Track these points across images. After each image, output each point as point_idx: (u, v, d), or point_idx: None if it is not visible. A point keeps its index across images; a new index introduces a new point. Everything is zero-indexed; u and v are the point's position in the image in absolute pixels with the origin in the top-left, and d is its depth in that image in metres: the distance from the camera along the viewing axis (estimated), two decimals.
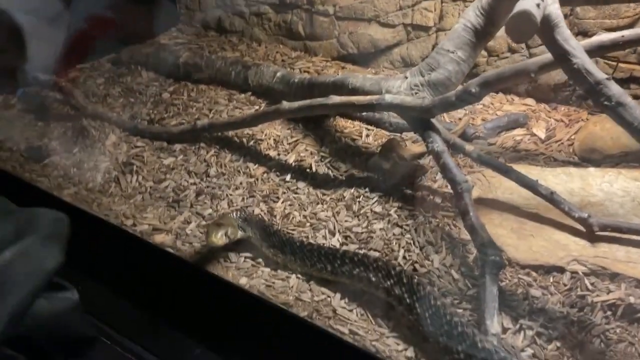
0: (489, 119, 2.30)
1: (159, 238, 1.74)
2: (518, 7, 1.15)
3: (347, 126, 2.28)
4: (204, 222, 1.81)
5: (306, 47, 3.01)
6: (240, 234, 1.66)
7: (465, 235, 1.63)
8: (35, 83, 2.70)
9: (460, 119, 2.28)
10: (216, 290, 1.52)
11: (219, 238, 1.58)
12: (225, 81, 2.66)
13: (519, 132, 2.25)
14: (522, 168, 1.94)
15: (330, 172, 2.04)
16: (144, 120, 2.45)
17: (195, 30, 3.39)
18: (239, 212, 1.73)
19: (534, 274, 1.51)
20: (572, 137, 2.16)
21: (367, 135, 2.21)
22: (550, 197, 1.64)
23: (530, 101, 2.43)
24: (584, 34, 2.20)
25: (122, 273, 1.67)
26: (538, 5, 1.15)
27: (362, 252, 1.60)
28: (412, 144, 2.12)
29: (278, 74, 2.48)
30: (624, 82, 2.17)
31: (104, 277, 1.67)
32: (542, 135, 2.20)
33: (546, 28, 1.32)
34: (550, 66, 1.50)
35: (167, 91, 2.69)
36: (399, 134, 2.22)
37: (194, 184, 2.01)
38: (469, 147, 1.77)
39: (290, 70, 2.62)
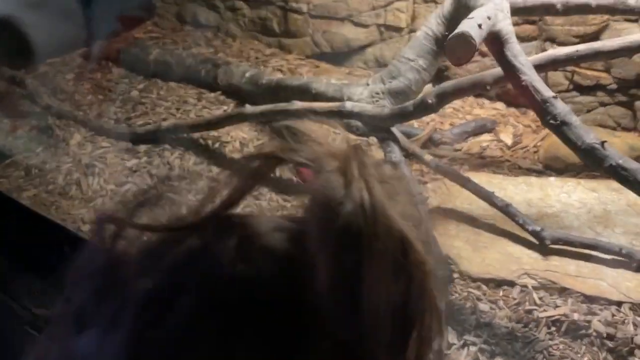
0: (457, 123, 2.30)
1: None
2: (458, 29, 1.14)
3: (314, 129, 2.26)
4: None
5: (281, 44, 2.98)
6: None
7: None
8: (2, 78, 2.66)
9: (428, 123, 2.27)
10: None
11: None
12: (195, 79, 2.64)
13: (486, 137, 2.25)
14: (484, 176, 1.95)
15: (294, 177, 2.03)
16: (111, 119, 2.43)
17: (171, 24, 3.34)
18: None
19: (484, 287, 1.52)
20: (538, 144, 2.16)
21: (334, 140, 2.19)
22: (506, 210, 1.64)
23: (500, 105, 2.42)
24: (551, 40, 2.19)
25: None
26: (480, 25, 1.14)
27: None
28: (377, 150, 2.11)
29: (247, 74, 2.46)
30: (590, 90, 2.16)
31: (50, 279, 1.66)
32: (509, 142, 2.20)
33: (496, 44, 1.31)
34: (505, 79, 1.50)
35: (136, 89, 2.66)
36: (365, 139, 2.20)
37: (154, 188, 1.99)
38: (427, 156, 1.77)
39: (260, 70, 2.60)
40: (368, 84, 1.89)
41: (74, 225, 1.81)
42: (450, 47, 1.15)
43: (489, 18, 1.19)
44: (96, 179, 2.04)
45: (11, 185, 2.03)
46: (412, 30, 2.58)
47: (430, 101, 1.56)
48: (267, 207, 1.89)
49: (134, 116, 2.43)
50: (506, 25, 1.32)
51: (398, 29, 2.61)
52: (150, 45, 2.89)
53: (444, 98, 1.56)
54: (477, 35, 1.12)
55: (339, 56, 2.81)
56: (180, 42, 3.11)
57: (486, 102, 2.45)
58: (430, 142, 2.16)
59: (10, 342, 1.72)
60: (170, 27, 3.33)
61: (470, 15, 1.20)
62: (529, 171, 2.03)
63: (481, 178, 1.90)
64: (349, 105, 1.75)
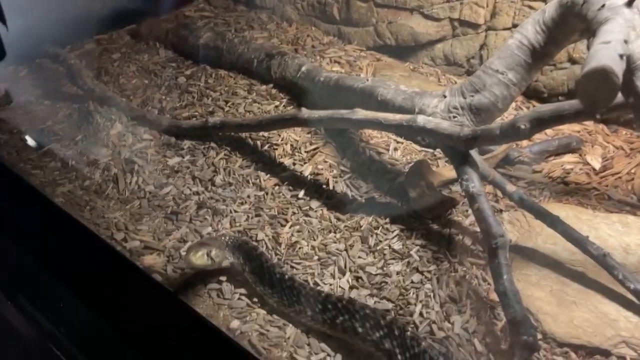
0: (536, 139, 2.02)
1: (148, 259, 1.57)
2: (592, 62, 0.88)
3: (374, 135, 2.03)
4: None
5: (340, 32, 2.74)
6: (227, 261, 1.47)
7: (496, 294, 1.40)
8: (46, 55, 2.53)
9: None
10: (203, 334, 1.34)
11: (199, 257, 1.40)
12: (246, 69, 2.43)
13: (570, 158, 1.97)
14: (570, 209, 1.68)
15: (348, 191, 1.82)
16: (155, 108, 2.26)
17: (224, 3, 3.14)
18: (228, 237, 1.53)
19: (573, 355, 1.28)
20: (633, 171, 1.87)
21: (395, 149, 1.97)
22: (603, 260, 1.38)
23: (586, 121, 2.12)
24: None
25: (104, 294, 1.51)
26: (622, 56, 0.88)
27: (347, 297, 1.39)
28: (445, 166, 1.86)
29: (303, 69, 2.23)
30: None
31: (85, 294, 1.51)
32: (597, 166, 1.91)
33: (624, 71, 1.04)
34: (622, 108, 1.23)
35: (183, 75, 2.48)
36: (431, 150, 1.96)
37: (197, 193, 1.82)
38: (510, 186, 1.51)
39: (317, 65, 2.36)
40: (445, 96, 1.64)
41: (107, 232, 1.66)
42: (584, 86, 0.89)
43: (625, 42, 0.93)
44: (135, 178, 1.88)
45: (46, 178, 1.90)
46: (490, 28, 2.30)
47: (522, 127, 1.31)
48: (317, 226, 1.68)
49: (179, 106, 2.25)
50: (638, 47, 1.05)
51: (474, 26, 2.32)
52: (201, 27, 2.69)
53: (539, 124, 1.30)
54: (619, 69, 0.86)
55: (404, 50, 2.55)
56: (233, 24, 2.91)
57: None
58: (506, 161, 1.90)
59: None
60: (223, 7, 3.13)
61: (604, 38, 0.93)
62: (620, 204, 1.75)
63: (567, 212, 1.64)
64: (421, 120, 1.50)
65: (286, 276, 1.42)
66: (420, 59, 2.52)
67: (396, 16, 2.51)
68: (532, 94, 2.21)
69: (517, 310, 1.24)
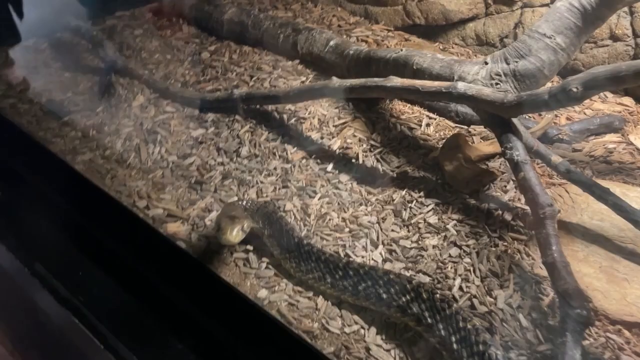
0: (575, 118, 1.93)
1: (172, 227, 1.50)
2: None
3: (405, 111, 1.95)
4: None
5: (367, 12, 2.66)
6: (252, 225, 1.41)
7: (541, 269, 1.31)
8: (67, 29, 2.48)
9: (540, 115, 1.91)
10: (230, 303, 1.27)
11: (236, 235, 1.32)
12: (272, 44, 2.36)
13: (611, 138, 1.87)
14: (615, 186, 1.59)
15: (379, 165, 1.74)
16: (178, 82, 2.19)
17: None
18: (245, 202, 1.47)
19: (627, 333, 1.19)
20: None
21: (428, 125, 1.88)
22: None
23: (627, 100, 2.03)
24: None
25: (125, 262, 1.44)
26: None
27: (369, 264, 1.32)
28: (481, 142, 1.78)
29: (331, 43, 2.16)
30: None
31: (105, 263, 1.45)
32: None
33: None
34: None
35: (207, 50, 2.41)
36: (465, 127, 1.88)
37: (222, 164, 1.75)
38: (556, 157, 1.42)
39: (346, 39, 2.29)
40: (486, 62, 1.55)
41: (128, 200, 1.60)
42: None
43: None
44: (157, 148, 1.82)
45: (66, 147, 1.84)
46: (526, 5, 2.20)
47: (574, 89, 1.22)
48: (347, 198, 1.60)
49: (203, 80, 2.19)
50: None
51: (509, 3, 2.23)
52: (225, 4, 2.63)
53: (593, 87, 1.22)
54: None
55: (434, 30, 2.46)
56: (257, 3, 2.84)
57: (609, 95, 2.06)
58: (544, 138, 1.81)
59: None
60: None
61: None
62: None
63: (614, 188, 1.53)
64: (461, 86, 1.42)
65: (305, 241, 1.35)
66: (451, 39, 2.44)
67: None
68: (569, 73, 2.10)
69: (569, 281, 1.15)
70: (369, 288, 1.25)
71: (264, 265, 1.40)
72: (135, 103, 2.04)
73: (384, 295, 1.24)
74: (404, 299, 1.21)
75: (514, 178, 1.60)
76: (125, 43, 2.46)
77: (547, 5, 2.13)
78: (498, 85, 1.48)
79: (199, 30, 2.57)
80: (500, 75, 1.50)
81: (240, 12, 2.49)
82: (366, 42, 2.44)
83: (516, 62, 1.48)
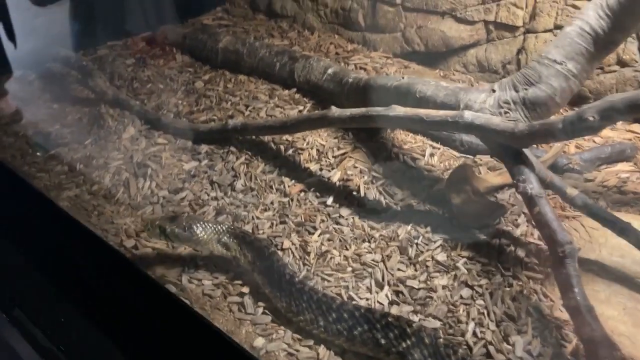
0: (585, 146, 1.85)
1: (161, 269, 1.40)
2: None
3: (408, 141, 1.87)
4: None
5: (365, 39, 2.61)
6: (221, 251, 1.37)
7: (561, 311, 1.21)
8: (57, 60, 2.41)
9: (549, 144, 1.83)
10: (224, 354, 1.16)
11: (157, 234, 1.34)
12: (268, 73, 2.30)
13: (624, 167, 1.79)
14: (632, 218, 1.49)
15: (382, 198, 1.64)
16: (170, 112, 2.12)
17: (242, 12, 3.03)
18: (227, 227, 1.39)
19: None
20: None
21: (432, 155, 1.80)
22: None
23: (637, 127, 1.95)
24: None
25: (110, 307, 1.33)
26: None
27: (365, 306, 1.23)
28: (488, 172, 1.69)
29: (329, 71, 2.09)
30: None
31: (88, 307, 1.34)
32: None
33: None
34: None
35: (201, 79, 2.34)
36: (471, 157, 1.79)
37: (216, 198, 1.66)
38: (571, 190, 1.33)
39: (344, 67, 2.22)
40: (494, 90, 1.48)
41: (115, 239, 1.49)
42: None
43: None
44: (147, 182, 1.73)
45: (51, 182, 1.75)
46: (529, 31, 2.15)
47: (591, 118, 1.14)
48: (349, 234, 1.51)
49: (196, 110, 2.11)
50: None
51: (512, 28, 2.17)
52: (220, 32, 2.57)
53: (610, 116, 1.14)
54: None
55: (434, 56, 2.40)
56: (252, 32, 2.79)
57: (618, 122, 1.98)
58: (554, 168, 1.72)
59: None
60: (242, 15, 3.02)
61: None
62: None
63: (631, 221, 1.45)
64: (468, 115, 1.34)
65: (296, 278, 1.26)
66: (452, 66, 2.38)
67: (426, 20, 2.38)
68: (576, 100, 2.05)
69: (595, 328, 1.05)
70: (365, 333, 1.15)
71: (260, 310, 1.30)
72: (126, 135, 1.96)
73: (382, 341, 1.14)
74: (404, 345, 1.12)
75: (525, 211, 1.51)
76: (117, 73, 2.39)
77: (550, 30, 2.07)
78: (507, 114, 1.41)
79: (193, 59, 2.50)
80: (509, 104, 1.42)
81: (236, 41, 2.43)
82: (365, 69, 2.38)
83: (526, 89, 1.41)
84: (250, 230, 1.52)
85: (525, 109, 1.41)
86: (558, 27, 2.05)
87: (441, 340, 1.10)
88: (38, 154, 1.87)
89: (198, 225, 1.36)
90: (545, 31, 2.09)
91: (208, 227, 1.36)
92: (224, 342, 1.16)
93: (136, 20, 2.71)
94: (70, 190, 1.70)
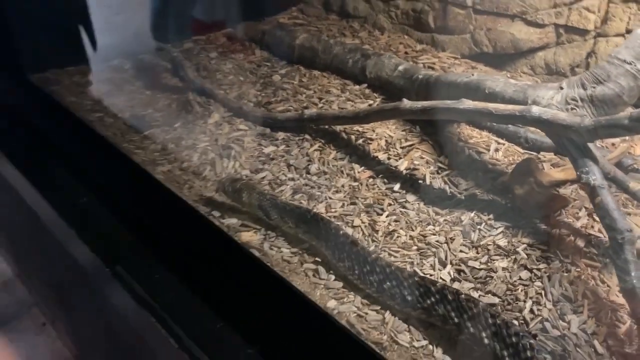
0: None
1: (245, 236, 1.56)
2: None
3: (474, 136, 1.96)
4: None
5: (434, 40, 2.71)
6: (260, 215, 1.59)
7: (617, 296, 1.28)
8: (149, 51, 2.65)
9: (614, 144, 1.88)
10: (301, 311, 1.30)
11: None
12: (340, 69, 2.44)
13: None
14: None
15: (447, 187, 1.75)
16: (250, 102, 2.30)
17: (316, 12, 3.19)
18: (269, 196, 1.61)
19: None
20: None
21: (497, 150, 1.88)
22: None
23: None
24: None
25: (199, 268, 1.51)
26: None
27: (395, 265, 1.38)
28: (551, 168, 1.76)
29: (400, 67, 2.21)
30: None
31: (177, 267, 1.52)
32: None
33: None
34: None
35: (278, 73, 2.52)
36: (535, 153, 1.87)
37: (292, 179, 1.81)
38: (634, 184, 1.40)
39: (414, 64, 2.34)
40: (562, 88, 1.55)
41: (205, 209, 1.67)
42: None
43: None
44: (231, 162, 1.90)
45: (147, 158, 1.95)
46: (600, 35, 2.19)
47: None
48: (415, 217, 1.62)
49: (274, 101, 2.28)
50: None
51: (583, 32, 2.22)
52: (296, 30, 2.74)
53: None
54: None
55: (501, 58, 2.47)
56: (325, 31, 2.95)
57: None
58: (618, 168, 1.77)
59: None
60: (315, 15, 3.19)
61: None
62: None
63: None
64: (536, 110, 1.43)
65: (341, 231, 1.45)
66: (519, 68, 2.44)
67: (496, 23, 2.46)
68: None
69: None
70: (393, 288, 1.31)
71: (332, 277, 1.44)
72: (211, 120, 2.15)
73: (409, 298, 1.29)
74: (429, 301, 1.26)
75: (586, 205, 1.58)
76: (202, 65, 2.60)
77: (622, 35, 2.11)
78: (574, 110, 1.48)
79: (271, 54, 2.68)
80: (576, 100, 1.50)
81: (312, 38, 2.59)
82: (433, 69, 2.48)
83: (594, 87, 1.48)
84: (324, 208, 1.67)
85: (592, 106, 1.48)
86: (629, 31, 2.08)
87: (463, 296, 1.22)
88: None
89: (245, 189, 1.62)
90: (617, 35, 2.13)
91: (253, 194, 1.60)
92: (302, 301, 1.30)
93: (218, 17, 2.93)
94: (163, 166, 1.90)
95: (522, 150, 1.89)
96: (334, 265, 1.43)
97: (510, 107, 1.50)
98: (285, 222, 1.55)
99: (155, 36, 2.71)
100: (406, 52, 2.66)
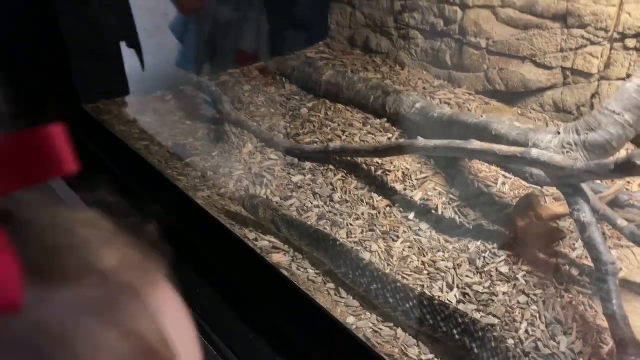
0: None
1: (276, 257, 1.78)
2: None
3: (483, 170, 2.16)
4: None
5: (450, 76, 2.92)
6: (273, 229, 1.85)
7: (603, 321, 1.46)
8: (190, 83, 2.92)
9: (613, 180, 2.05)
10: (324, 325, 1.51)
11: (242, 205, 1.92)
12: (363, 104, 2.66)
13: None
14: None
15: (457, 217, 1.94)
16: (280, 133, 2.53)
17: (342, 47, 3.43)
18: (281, 213, 1.86)
19: None
20: None
21: (504, 184, 2.07)
22: None
23: None
24: None
25: (234, 284, 1.72)
26: None
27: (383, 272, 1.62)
28: (553, 202, 1.94)
29: (417, 105, 2.42)
30: None
31: (216, 284, 1.74)
32: None
33: None
34: None
35: (306, 106, 2.75)
36: (539, 187, 2.05)
37: (317, 206, 2.03)
38: (621, 221, 1.58)
39: (431, 103, 2.55)
40: (559, 133, 1.75)
41: (241, 232, 1.89)
42: None
43: None
44: (264, 190, 2.13)
45: (189, 184, 2.19)
46: (603, 78, 2.37)
47: (638, 162, 1.39)
48: (427, 244, 1.82)
49: (302, 133, 2.51)
50: None
51: (587, 75, 2.40)
52: (323, 66, 2.98)
53: None
54: None
55: (513, 96, 2.67)
56: (349, 65, 3.18)
57: None
58: (614, 203, 1.94)
59: None
60: (341, 50, 3.42)
61: None
62: None
63: None
64: (534, 152, 1.62)
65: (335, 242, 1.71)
66: (529, 105, 2.63)
67: (508, 64, 2.66)
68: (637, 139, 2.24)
69: (626, 332, 1.29)
70: (379, 290, 1.55)
71: (351, 296, 1.64)
72: (245, 150, 2.39)
73: (391, 300, 1.52)
74: (406, 306, 1.49)
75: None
76: (237, 97, 2.85)
77: (623, 79, 2.29)
78: (569, 154, 1.67)
79: (299, 88, 2.92)
80: (571, 145, 1.69)
81: (337, 75, 2.83)
82: (449, 104, 2.69)
83: (587, 134, 1.67)
84: (345, 234, 1.88)
85: (585, 151, 1.67)
86: (629, 76, 2.26)
87: (436, 301, 1.48)
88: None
89: (261, 206, 1.87)
90: (618, 79, 2.31)
91: (268, 210, 1.85)
92: (326, 316, 1.50)
93: (259, 49, 3.18)
94: (203, 192, 2.14)
95: (527, 185, 2.07)
96: (333, 270, 1.67)
97: (512, 149, 1.70)
98: (291, 235, 1.81)
99: (195, 70, 2.98)
100: (424, 88, 2.87)
